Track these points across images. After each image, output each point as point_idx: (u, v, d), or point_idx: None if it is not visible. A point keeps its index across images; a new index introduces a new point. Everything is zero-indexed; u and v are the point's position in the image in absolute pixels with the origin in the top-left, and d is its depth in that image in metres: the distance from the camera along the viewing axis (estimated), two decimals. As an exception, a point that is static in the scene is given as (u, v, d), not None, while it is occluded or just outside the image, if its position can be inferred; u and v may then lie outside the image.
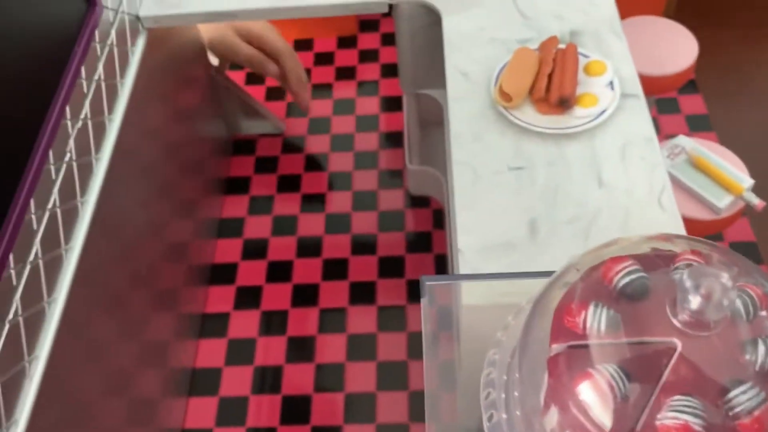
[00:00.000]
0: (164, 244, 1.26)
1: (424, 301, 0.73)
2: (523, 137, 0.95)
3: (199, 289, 1.47)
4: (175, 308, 1.34)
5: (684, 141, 1.14)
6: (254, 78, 1.90)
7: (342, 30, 1.95)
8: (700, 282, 0.45)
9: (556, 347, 0.49)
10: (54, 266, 0.90)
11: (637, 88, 0.99)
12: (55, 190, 0.90)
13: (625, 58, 1.02)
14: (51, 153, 0.89)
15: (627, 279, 0.50)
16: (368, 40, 1.95)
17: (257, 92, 1.86)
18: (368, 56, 1.92)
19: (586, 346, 0.48)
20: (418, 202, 1.61)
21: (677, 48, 1.25)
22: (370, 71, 1.88)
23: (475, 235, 0.86)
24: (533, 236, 0.85)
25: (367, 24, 1.99)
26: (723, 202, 1.06)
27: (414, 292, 1.46)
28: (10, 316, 0.79)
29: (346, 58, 1.92)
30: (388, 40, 1.96)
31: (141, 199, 1.18)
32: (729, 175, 1.07)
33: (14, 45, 0.85)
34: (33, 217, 0.85)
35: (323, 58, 1.92)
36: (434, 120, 1.51)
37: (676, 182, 1.11)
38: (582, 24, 1.08)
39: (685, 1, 1.94)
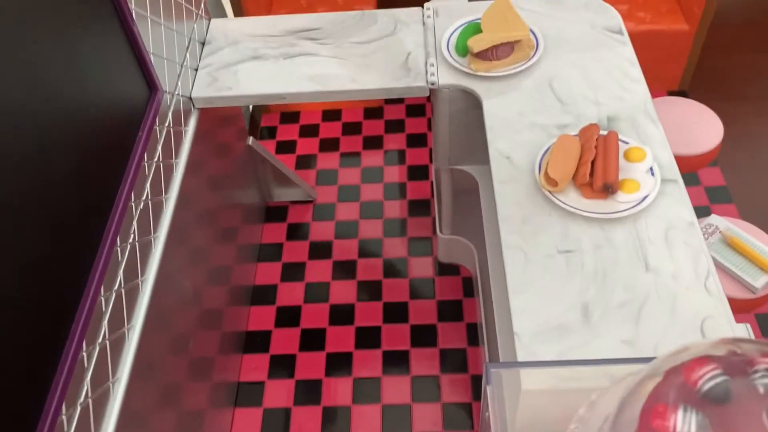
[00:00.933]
0: (201, 312, 1.29)
1: (489, 388, 0.75)
2: (570, 220, 0.99)
3: (232, 357, 1.48)
4: (210, 377, 1.35)
5: (717, 220, 1.18)
6: (286, 146, 1.96)
7: (369, 101, 2.02)
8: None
9: (646, 449, 0.52)
10: (118, 345, 0.92)
11: (676, 174, 1.03)
12: (121, 271, 0.94)
13: (662, 144, 1.07)
14: (119, 236, 0.93)
15: (712, 383, 0.53)
16: (394, 111, 2.02)
17: (288, 160, 1.92)
18: (394, 126, 1.98)
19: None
20: (448, 270, 1.64)
21: (704, 128, 1.31)
22: (396, 141, 1.94)
23: (529, 317, 0.89)
24: (586, 320, 0.88)
25: (393, 95, 2.06)
26: (759, 282, 1.09)
27: (447, 362, 1.48)
28: (81, 398, 0.81)
29: (373, 128, 1.98)
30: (413, 111, 2.02)
31: (186, 272, 1.21)
32: (763, 255, 1.11)
33: (87, 132, 0.90)
34: (102, 299, 0.88)
35: (351, 128, 1.98)
36: (464, 190, 1.56)
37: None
38: (618, 109, 1.13)
39: (699, 75, 2.02)
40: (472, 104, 1.23)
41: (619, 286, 0.92)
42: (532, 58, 1.21)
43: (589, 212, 0.98)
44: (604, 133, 1.06)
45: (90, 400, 0.83)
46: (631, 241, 0.96)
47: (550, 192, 1.00)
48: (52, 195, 0.80)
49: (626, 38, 1.26)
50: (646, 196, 0.98)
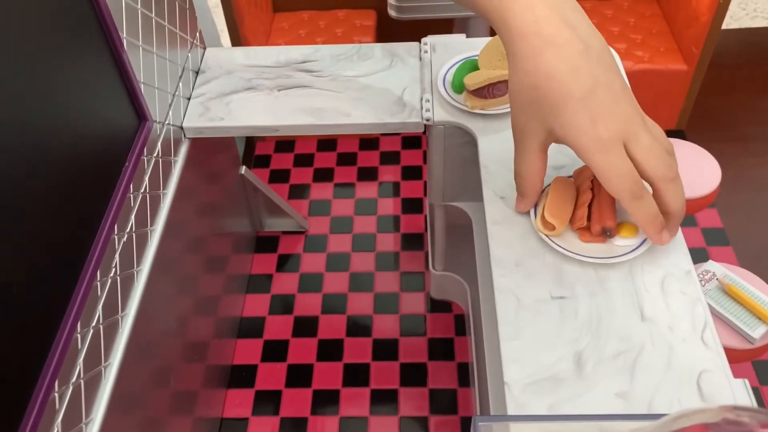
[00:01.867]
0: (185, 344, 1.25)
1: (477, 442, 0.72)
2: (564, 264, 0.96)
3: (216, 391, 1.44)
4: (192, 412, 1.31)
5: (714, 267, 1.16)
6: (279, 175, 1.94)
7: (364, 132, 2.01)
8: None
9: None
10: (93, 385, 0.89)
11: (673, 219, 1.01)
12: (100, 307, 0.90)
13: (659, 189, 1.05)
14: (99, 270, 0.90)
15: (709, 456, 0.50)
16: (389, 143, 2.01)
17: (282, 190, 1.89)
18: (389, 158, 1.97)
19: None
20: (440, 306, 1.61)
21: (702, 171, 1.29)
22: (391, 173, 1.93)
23: (521, 366, 0.86)
24: (579, 370, 0.85)
25: (389, 126, 2.05)
26: (757, 332, 1.07)
27: (436, 402, 1.44)
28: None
29: (369, 159, 1.96)
30: (409, 143, 2.01)
31: (171, 304, 1.18)
32: (762, 304, 1.08)
33: (68, 162, 0.87)
34: (78, 336, 0.85)
35: (346, 159, 1.96)
36: (458, 225, 1.54)
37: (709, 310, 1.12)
38: (615, 152, 1.11)
39: (696, 115, 2.01)
40: (467, 141, 1.21)
41: (613, 335, 0.89)
42: (529, 97, 1.20)
43: (587, 257, 0.95)
44: (600, 175, 1.04)
45: (59, 444, 0.79)
46: (627, 289, 0.94)
47: (547, 236, 0.98)
48: (27, 227, 0.77)
49: (624, 77, 1.25)
50: (644, 241, 0.96)
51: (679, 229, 1.01)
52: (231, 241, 1.58)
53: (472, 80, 1.17)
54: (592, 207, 0.99)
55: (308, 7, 2.11)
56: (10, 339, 0.74)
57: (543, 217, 0.98)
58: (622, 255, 0.95)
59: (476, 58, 1.23)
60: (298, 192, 1.90)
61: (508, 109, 1.18)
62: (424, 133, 1.26)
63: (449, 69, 1.27)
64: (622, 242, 0.96)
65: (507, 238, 1.01)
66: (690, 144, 1.36)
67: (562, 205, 0.98)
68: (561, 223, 0.96)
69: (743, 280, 1.14)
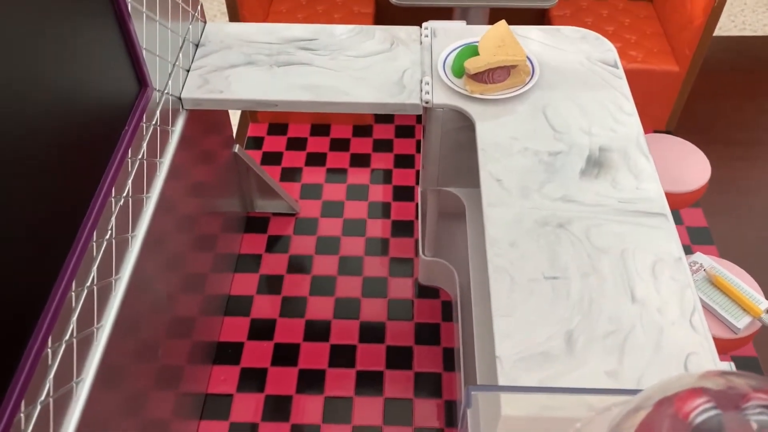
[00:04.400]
0: (173, 318, 1.25)
1: (470, 411, 0.73)
2: (558, 246, 0.98)
3: (201, 367, 1.44)
4: (176, 387, 1.30)
5: (702, 258, 1.18)
6: (272, 158, 1.93)
7: (359, 119, 2.01)
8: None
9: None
10: (85, 345, 0.88)
11: (665, 208, 1.03)
12: (95, 267, 0.90)
13: (653, 178, 1.07)
14: (96, 231, 0.90)
15: (704, 416, 0.52)
16: (383, 131, 2.01)
17: (274, 172, 1.89)
18: (383, 146, 1.97)
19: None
20: (428, 292, 1.62)
21: (692, 167, 1.32)
22: (383, 160, 1.93)
23: (512, 342, 0.87)
24: (570, 348, 0.87)
25: (383, 115, 2.05)
26: (741, 322, 1.09)
27: (421, 385, 1.45)
28: (42, 397, 0.77)
29: (362, 146, 1.97)
30: (402, 132, 2.02)
31: (161, 275, 1.18)
32: (747, 296, 1.11)
33: (72, 122, 0.87)
34: (73, 294, 0.84)
35: (339, 144, 1.97)
36: (449, 213, 1.55)
37: (692, 297, 1.14)
38: (610, 140, 1.13)
39: (685, 117, 2.04)
40: (465, 126, 1.23)
41: (604, 316, 0.90)
42: (528, 84, 1.21)
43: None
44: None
45: (51, 400, 0.79)
46: (619, 272, 0.95)
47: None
48: (28, 183, 0.77)
49: (621, 72, 1.27)
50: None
51: (671, 219, 1.03)
52: (222, 219, 1.58)
53: (473, 64, 1.18)
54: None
55: (307, -9, 2.11)
56: (8, 292, 0.73)
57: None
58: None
59: (476, 44, 1.24)
60: (290, 175, 1.89)
61: (507, 95, 1.20)
62: (419, 120, 1.27)
63: (450, 53, 1.28)
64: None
65: (502, 220, 1.02)
66: (680, 140, 1.38)
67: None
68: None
69: (730, 273, 1.16)
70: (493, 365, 0.87)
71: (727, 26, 2.54)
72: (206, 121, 1.41)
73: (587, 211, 1.02)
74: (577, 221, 1.01)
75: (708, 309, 1.12)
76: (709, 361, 0.85)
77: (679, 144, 1.37)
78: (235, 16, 1.86)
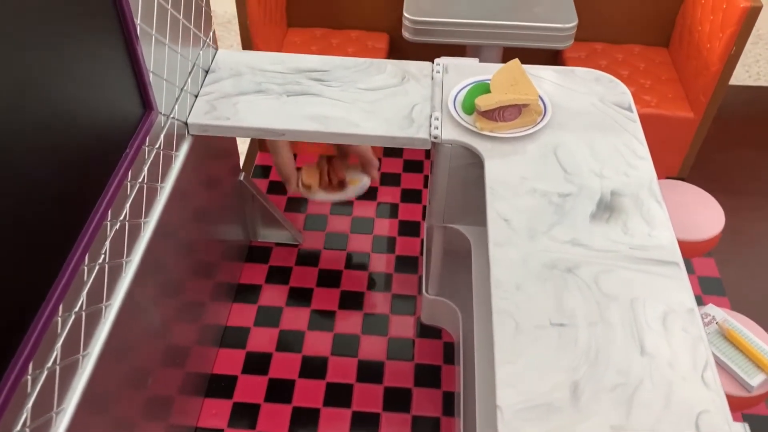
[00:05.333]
0: (165, 347, 1.21)
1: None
2: (565, 291, 0.94)
3: (193, 399, 1.40)
4: (165, 419, 1.26)
5: (714, 311, 1.14)
6: (278, 187, 1.92)
7: (367, 151, 2.00)
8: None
9: None
10: (70, 372, 0.85)
11: (678, 257, 0.99)
12: (84, 292, 0.87)
13: (665, 225, 1.04)
14: (87, 254, 0.87)
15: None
16: (391, 165, 1.99)
17: (279, 201, 1.87)
18: (390, 180, 1.95)
19: None
20: (430, 332, 1.58)
21: (706, 215, 1.28)
22: (390, 194, 1.91)
23: (515, 391, 0.83)
24: (575, 400, 0.82)
25: (392, 149, 2.04)
26: (755, 380, 1.04)
27: (419, 430, 1.40)
28: (18, 427, 0.74)
29: (369, 178, 1.95)
30: (411, 166, 2.00)
31: (155, 303, 1.15)
32: (761, 351, 1.06)
33: (70, 142, 0.85)
34: (59, 319, 0.81)
35: (346, 176, 1.95)
36: (454, 251, 1.51)
37: (704, 351, 1.10)
38: (622, 185, 1.10)
39: (699, 164, 2.01)
40: (473, 163, 1.20)
41: (612, 367, 0.86)
42: (539, 124, 1.19)
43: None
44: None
45: (28, 430, 0.75)
46: (628, 321, 0.91)
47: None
48: (18, 201, 0.75)
49: (635, 115, 1.24)
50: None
51: (684, 268, 0.99)
52: (223, 247, 1.55)
53: (484, 102, 1.16)
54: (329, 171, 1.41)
55: (322, 24, 2.12)
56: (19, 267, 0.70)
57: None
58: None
59: (488, 81, 1.23)
60: (295, 205, 1.87)
61: (517, 134, 1.17)
62: (428, 156, 1.25)
63: (461, 90, 1.26)
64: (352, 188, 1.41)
65: (509, 260, 0.98)
66: (695, 188, 1.35)
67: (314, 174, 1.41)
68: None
69: (743, 326, 1.12)
70: (495, 414, 0.83)
71: (741, 76, 2.53)
72: (213, 148, 1.39)
73: (597, 256, 0.99)
74: (585, 266, 0.97)
75: (719, 364, 1.08)
76: (722, 422, 0.81)
77: (693, 191, 1.34)
78: (248, 45, 1.86)
